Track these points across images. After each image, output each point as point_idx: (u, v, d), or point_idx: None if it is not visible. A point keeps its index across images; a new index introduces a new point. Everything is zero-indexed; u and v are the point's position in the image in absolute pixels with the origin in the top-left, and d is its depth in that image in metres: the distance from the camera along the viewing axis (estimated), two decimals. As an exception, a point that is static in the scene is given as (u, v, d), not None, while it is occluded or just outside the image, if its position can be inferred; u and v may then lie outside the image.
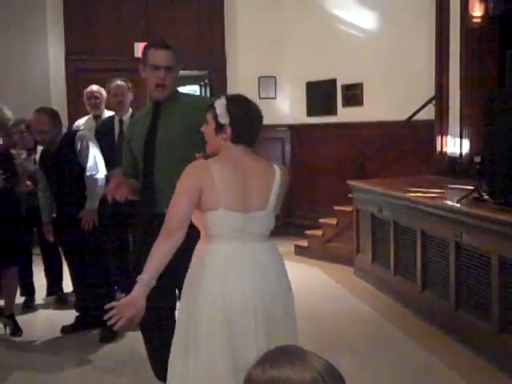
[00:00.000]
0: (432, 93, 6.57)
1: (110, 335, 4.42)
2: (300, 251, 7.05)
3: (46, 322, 4.94)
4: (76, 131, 4.71)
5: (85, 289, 4.60)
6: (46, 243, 4.93)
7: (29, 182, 4.63)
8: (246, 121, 2.44)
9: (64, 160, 4.37)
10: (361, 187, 5.99)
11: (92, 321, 4.56)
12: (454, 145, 6.33)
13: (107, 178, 3.26)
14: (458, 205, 4.27)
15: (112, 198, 3.05)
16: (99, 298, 4.47)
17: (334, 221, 6.79)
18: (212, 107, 2.44)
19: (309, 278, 6.06)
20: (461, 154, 6.22)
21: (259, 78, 8.06)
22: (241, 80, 8.04)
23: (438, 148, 6.55)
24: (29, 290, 5.28)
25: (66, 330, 4.59)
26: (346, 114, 7.63)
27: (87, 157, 4.39)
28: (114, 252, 4.72)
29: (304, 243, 7.09)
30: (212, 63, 8.31)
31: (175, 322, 3.12)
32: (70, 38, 7.80)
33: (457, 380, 3.71)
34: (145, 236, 3.13)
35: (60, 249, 4.95)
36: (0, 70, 7.33)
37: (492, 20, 5.94)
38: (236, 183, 2.37)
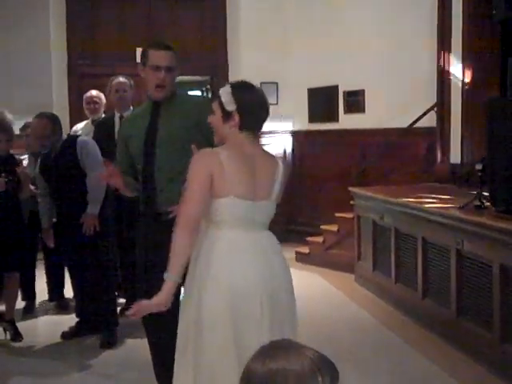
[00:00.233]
0: (434, 100, 6.57)
1: (110, 341, 4.41)
2: (301, 258, 7.04)
3: (47, 327, 4.94)
4: (77, 136, 4.71)
5: (85, 294, 4.60)
6: (48, 248, 4.92)
7: (32, 187, 4.63)
8: (253, 106, 2.42)
9: (65, 165, 4.37)
10: (362, 194, 5.98)
11: (92, 326, 4.56)
12: (456, 152, 6.33)
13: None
14: (460, 212, 4.26)
15: (113, 192, 3.08)
16: (100, 303, 4.48)
17: (335, 227, 6.78)
18: (217, 96, 2.42)
19: (309, 285, 6.04)
20: (462, 161, 6.22)
21: (261, 83, 8.04)
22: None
23: (440, 155, 6.55)
24: (30, 295, 5.28)
25: (66, 335, 4.58)
26: (347, 121, 7.63)
27: (89, 162, 4.38)
28: (115, 254, 4.73)
29: (305, 250, 7.08)
30: (214, 69, 8.31)
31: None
32: (73, 43, 7.81)
33: (457, 388, 3.70)
34: (147, 236, 3.13)
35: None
36: (2, 75, 7.34)
37: (494, 26, 5.94)
38: (245, 171, 2.38)
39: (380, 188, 6.10)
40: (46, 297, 5.43)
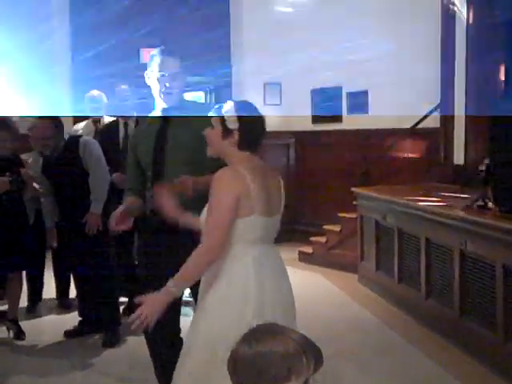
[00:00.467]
0: (437, 100, 6.57)
1: (112, 340, 4.42)
2: (304, 258, 7.04)
3: (49, 326, 4.94)
4: (79, 136, 4.71)
5: (88, 293, 4.60)
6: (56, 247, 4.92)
7: (37, 186, 4.63)
8: (254, 128, 2.45)
9: (67, 165, 4.37)
10: (365, 194, 5.98)
11: (95, 325, 4.57)
12: (459, 153, 6.32)
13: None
14: (463, 213, 4.26)
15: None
16: (102, 302, 4.49)
17: (338, 228, 6.78)
18: (219, 111, 2.43)
19: (312, 285, 6.05)
20: (465, 161, 6.21)
21: (264, 84, 8.07)
22: (246, 86, 8.05)
23: (443, 156, 6.54)
24: (35, 295, 5.28)
25: (68, 334, 4.59)
26: (350, 122, 7.63)
27: (92, 162, 4.39)
28: (118, 255, 4.73)
29: (308, 250, 7.08)
30: (217, 70, 8.31)
31: (179, 331, 3.11)
32: (76, 44, 7.82)
33: (460, 389, 3.70)
34: (153, 242, 3.12)
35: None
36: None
37: (497, 28, 5.94)
38: (264, 189, 2.38)
39: (383, 188, 6.10)
40: (53, 295, 5.43)
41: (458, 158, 6.33)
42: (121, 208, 3.03)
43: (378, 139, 7.10)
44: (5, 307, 4.76)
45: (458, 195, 5.18)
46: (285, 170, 8.24)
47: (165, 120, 3.12)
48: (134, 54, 7.57)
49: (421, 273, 4.83)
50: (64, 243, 4.68)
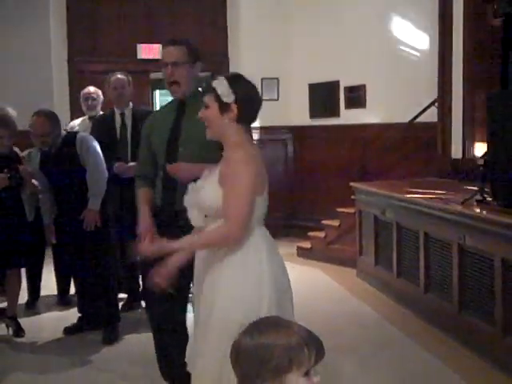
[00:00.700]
0: (435, 95, 6.56)
1: (112, 336, 4.42)
2: (302, 253, 7.04)
3: (49, 322, 4.94)
4: (76, 133, 4.70)
5: (87, 290, 4.60)
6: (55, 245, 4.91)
7: (36, 182, 4.63)
8: (251, 97, 2.44)
9: (65, 161, 4.37)
10: (364, 189, 5.98)
11: (94, 322, 4.56)
12: (457, 147, 6.32)
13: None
14: (462, 207, 4.26)
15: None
16: (101, 299, 4.49)
17: (336, 223, 6.78)
18: (211, 89, 2.39)
19: (311, 280, 6.05)
20: (464, 155, 6.21)
21: (262, 79, 8.05)
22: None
23: (441, 150, 6.54)
24: (34, 292, 5.28)
25: (68, 330, 4.59)
26: (348, 116, 7.63)
27: (89, 158, 4.38)
28: (117, 249, 4.73)
29: (307, 245, 7.08)
30: (214, 65, 8.29)
31: (185, 322, 3.12)
32: (73, 40, 7.81)
33: (459, 382, 3.69)
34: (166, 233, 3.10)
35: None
36: (2, 72, 7.34)
37: (496, 21, 5.93)
38: (263, 166, 2.41)
39: (381, 183, 6.10)
40: (52, 291, 5.42)
41: (456, 152, 6.33)
42: (146, 226, 3.01)
43: (375, 134, 7.10)
44: (4, 304, 4.77)
45: (456, 189, 5.18)
46: (283, 164, 8.25)
47: (179, 111, 3.11)
48: (132, 49, 7.57)
49: (419, 267, 4.84)
50: (62, 239, 4.68)
